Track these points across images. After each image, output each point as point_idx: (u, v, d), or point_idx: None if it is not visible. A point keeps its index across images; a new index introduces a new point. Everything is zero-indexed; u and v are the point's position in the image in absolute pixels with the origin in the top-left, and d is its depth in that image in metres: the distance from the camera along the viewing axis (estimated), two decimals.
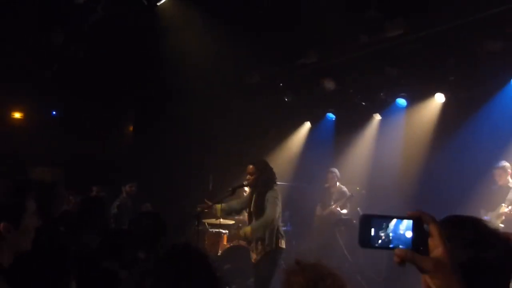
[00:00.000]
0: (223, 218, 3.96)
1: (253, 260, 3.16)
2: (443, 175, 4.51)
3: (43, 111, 5.96)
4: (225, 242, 4.65)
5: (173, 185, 5.70)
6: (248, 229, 3.11)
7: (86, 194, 4.23)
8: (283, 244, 3.13)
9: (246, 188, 5.69)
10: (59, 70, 5.08)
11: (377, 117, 5.81)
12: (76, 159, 5.55)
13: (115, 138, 6.25)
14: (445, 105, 4.78)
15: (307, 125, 6.61)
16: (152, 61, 5.16)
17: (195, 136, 6.07)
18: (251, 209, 3.27)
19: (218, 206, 3.38)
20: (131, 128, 6.58)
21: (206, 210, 4.32)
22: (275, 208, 3.06)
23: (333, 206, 5.28)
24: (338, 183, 5.41)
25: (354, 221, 5.07)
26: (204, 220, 4.74)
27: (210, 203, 3.31)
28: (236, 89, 5.82)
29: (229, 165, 5.73)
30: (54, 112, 6.12)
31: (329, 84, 5.35)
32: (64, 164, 5.41)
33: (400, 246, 0.66)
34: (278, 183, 3.29)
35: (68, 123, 5.82)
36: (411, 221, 0.67)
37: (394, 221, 0.68)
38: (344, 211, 5.29)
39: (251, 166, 3.23)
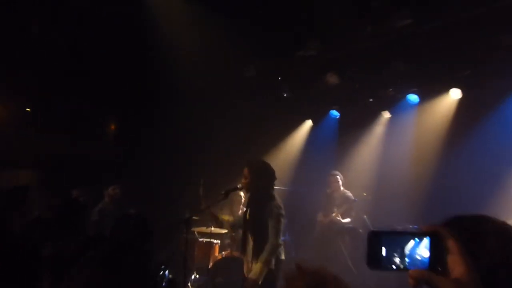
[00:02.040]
0: (219, 227, 3.88)
1: (246, 274, 3.07)
2: (458, 179, 4.49)
3: (16, 107, 5.86)
4: (216, 253, 4.63)
5: (160, 189, 5.73)
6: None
7: (65, 198, 4.23)
8: (282, 256, 3.05)
9: (242, 194, 5.76)
10: (34, 62, 5.04)
11: (386, 114, 5.87)
12: (51, 159, 5.54)
13: (96, 136, 6.20)
14: (461, 102, 4.83)
15: (308, 123, 6.64)
16: (140, 53, 5.17)
17: (184, 135, 6.09)
18: (247, 220, 3.14)
19: (225, 217, 3.34)
20: (113, 127, 6.59)
21: (196, 217, 4.36)
22: (279, 230, 2.93)
23: (334, 214, 5.26)
24: (341, 188, 5.39)
25: (360, 230, 5.05)
26: (193, 229, 4.75)
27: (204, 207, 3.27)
28: (230, 84, 5.83)
29: (223, 167, 5.77)
30: (28, 109, 6.03)
31: (333, 78, 5.36)
32: (39, 166, 5.42)
33: (416, 267, 0.64)
34: (276, 187, 3.20)
35: (44, 120, 5.78)
36: (427, 238, 0.64)
37: (408, 238, 0.65)
38: (347, 219, 5.28)
39: (246, 169, 3.12)
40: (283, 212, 3.03)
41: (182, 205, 4.60)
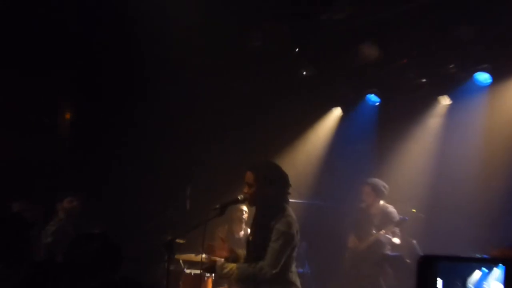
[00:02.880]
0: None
1: None
2: None
3: None
4: None
5: (132, 202, 5.77)
6: (231, 268, 3.07)
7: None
8: None
9: (245, 208, 5.83)
10: None
11: (444, 100, 5.80)
12: None
13: (44, 130, 6.13)
14: None
15: (336, 112, 6.64)
16: (106, 18, 5.19)
17: (166, 130, 6.06)
18: (249, 243, 3.22)
19: (240, 252, 3.35)
20: (68, 116, 6.48)
21: (181, 241, 4.37)
22: (280, 254, 3.01)
23: (372, 238, 5.26)
24: (381, 201, 5.41)
25: (408, 260, 5.04)
26: (178, 256, 4.87)
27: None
28: (230, 58, 5.81)
29: (217, 172, 5.84)
30: None
31: (370, 51, 5.34)
32: None
33: None
34: (292, 201, 3.25)
35: None
36: (499, 267, 0.65)
37: (473, 266, 0.68)
38: (396, 240, 5.22)
39: (250, 174, 3.15)
40: (292, 231, 3.06)
41: (163, 223, 4.66)
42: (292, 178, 3.18)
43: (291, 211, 3.14)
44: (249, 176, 3.15)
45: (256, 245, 3.11)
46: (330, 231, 5.73)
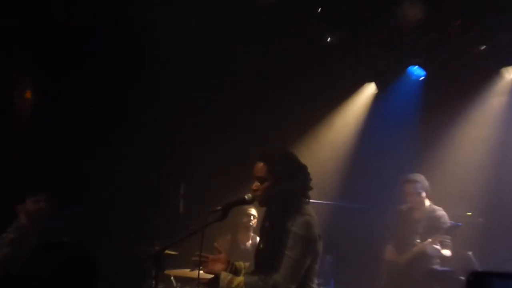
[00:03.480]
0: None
1: None
2: None
3: None
4: None
5: (111, 205, 5.80)
6: (239, 282, 3.10)
7: None
8: None
9: (253, 211, 5.89)
10: None
11: (509, 74, 5.78)
12: None
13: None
14: None
15: (370, 89, 6.65)
16: None
17: (155, 113, 6.11)
18: (259, 252, 3.26)
19: (240, 264, 3.40)
20: (28, 94, 6.39)
21: (172, 252, 4.39)
22: (298, 265, 3.04)
23: (415, 249, 5.27)
24: (427, 202, 5.43)
25: (462, 278, 5.02)
26: (168, 271, 4.84)
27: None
28: (234, 19, 5.81)
29: (219, 168, 5.85)
30: None
31: (413, 11, 5.29)
32: None
33: None
34: (312, 201, 3.27)
35: None
36: None
37: None
38: (447, 252, 5.21)
39: (261, 165, 3.19)
40: (313, 234, 3.07)
41: (149, 231, 4.63)
42: (313, 173, 3.17)
43: (312, 211, 3.14)
44: (260, 168, 3.16)
45: (268, 255, 3.11)
46: (361, 240, 5.73)
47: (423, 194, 5.36)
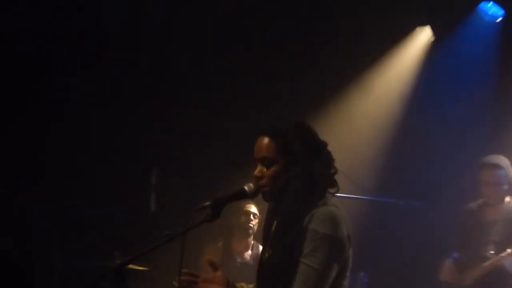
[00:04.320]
0: None
1: None
2: None
3: None
4: None
5: (60, 201, 5.93)
6: None
7: None
8: None
9: (253, 209, 6.05)
10: None
11: None
12: None
13: None
14: None
15: (423, 35, 6.75)
16: None
17: (120, 84, 6.54)
18: (262, 258, 3.23)
19: (242, 286, 3.40)
20: None
21: (140, 268, 4.45)
22: (322, 275, 2.97)
23: (488, 263, 5.34)
24: (506, 198, 5.56)
25: None
26: None
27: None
28: None
29: (205, 145, 6.05)
30: None
31: None
32: None
33: None
34: (340, 195, 3.32)
35: None
36: None
37: None
38: None
39: (266, 141, 3.15)
40: (341, 233, 3.00)
41: (107, 236, 4.72)
42: (341, 155, 3.19)
43: (337, 204, 3.09)
44: (266, 145, 3.13)
45: (278, 266, 3.05)
46: (409, 252, 5.87)
47: (505, 187, 5.44)
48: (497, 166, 5.43)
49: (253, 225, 5.74)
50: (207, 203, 3.10)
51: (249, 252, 5.71)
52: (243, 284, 3.35)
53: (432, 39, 6.69)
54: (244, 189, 3.17)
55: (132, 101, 6.65)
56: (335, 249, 2.95)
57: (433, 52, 6.66)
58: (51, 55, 6.68)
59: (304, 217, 3.03)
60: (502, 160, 5.49)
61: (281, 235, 3.10)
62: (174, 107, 6.64)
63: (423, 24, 6.67)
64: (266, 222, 3.31)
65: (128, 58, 6.73)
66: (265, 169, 3.12)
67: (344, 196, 3.81)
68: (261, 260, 3.24)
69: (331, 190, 3.13)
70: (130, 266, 3.37)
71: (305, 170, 3.07)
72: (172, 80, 6.79)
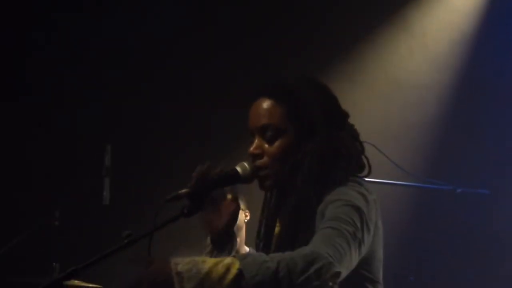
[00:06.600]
0: None
1: None
2: None
3: None
4: None
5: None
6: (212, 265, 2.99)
7: None
8: None
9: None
10: None
11: None
12: None
13: None
14: None
15: None
16: None
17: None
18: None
19: None
20: None
21: (90, 285, 4.55)
22: (342, 241, 3.03)
23: None
24: None
25: None
26: None
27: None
28: None
29: (181, 113, 6.64)
30: None
31: None
32: None
33: None
34: (373, 180, 3.52)
35: None
36: None
37: None
38: None
39: (269, 104, 3.20)
40: (367, 204, 3.11)
41: (42, 239, 4.69)
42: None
43: (371, 190, 3.19)
44: (268, 110, 3.20)
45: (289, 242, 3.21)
46: (468, 251, 6.43)
47: None
48: None
49: (239, 222, 5.75)
50: (184, 190, 3.09)
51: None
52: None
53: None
54: (236, 170, 3.17)
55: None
56: (363, 219, 3.04)
57: (490, 8, 6.99)
58: None
59: (313, 201, 3.14)
60: None
61: (286, 238, 3.26)
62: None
63: None
64: (265, 222, 3.40)
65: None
66: (266, 144, 3.18)
67: (379, 181, 3.85)
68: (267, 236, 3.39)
69: (361, 173, 3.13)
70: (75, 282, 3.42)
71: (327, 144, 3.12)
72: None
